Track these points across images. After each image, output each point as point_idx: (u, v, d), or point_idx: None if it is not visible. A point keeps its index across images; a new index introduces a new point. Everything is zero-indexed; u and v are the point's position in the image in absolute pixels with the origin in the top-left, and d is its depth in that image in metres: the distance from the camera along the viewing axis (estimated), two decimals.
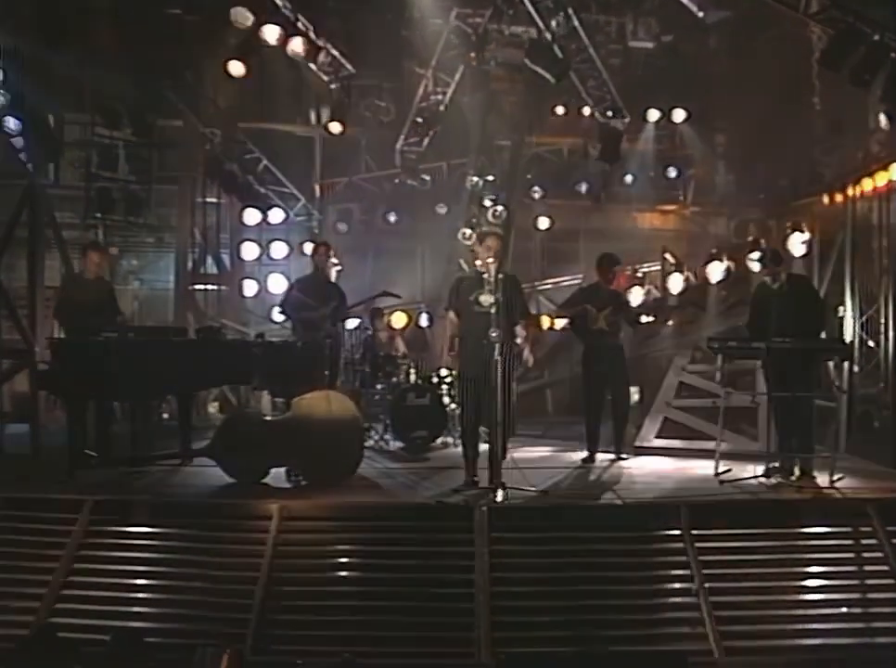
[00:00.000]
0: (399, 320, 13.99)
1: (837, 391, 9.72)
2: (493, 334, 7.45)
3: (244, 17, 10.50)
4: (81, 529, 6.63)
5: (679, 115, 15.46)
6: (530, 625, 6.10)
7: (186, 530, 6.71)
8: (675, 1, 14.17)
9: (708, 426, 10.00)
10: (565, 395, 12.71)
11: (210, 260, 15.07)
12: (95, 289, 9.36)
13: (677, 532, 6.67)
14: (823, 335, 8.88)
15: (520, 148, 15.53)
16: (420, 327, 14.45)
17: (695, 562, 6.42)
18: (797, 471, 8.37)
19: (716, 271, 11.86)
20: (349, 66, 12.66)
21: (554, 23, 12.71)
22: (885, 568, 6.44)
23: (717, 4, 14.17)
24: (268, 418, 8.36)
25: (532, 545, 6.63)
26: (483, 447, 8.06)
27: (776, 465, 8.35)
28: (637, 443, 10.24)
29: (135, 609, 6.23)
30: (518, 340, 8.26)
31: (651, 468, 9.31)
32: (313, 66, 12.42)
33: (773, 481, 8.15)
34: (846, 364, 9.98)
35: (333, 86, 12.81)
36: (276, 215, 14.86)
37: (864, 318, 10.41)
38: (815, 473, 8.29)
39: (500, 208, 14.48)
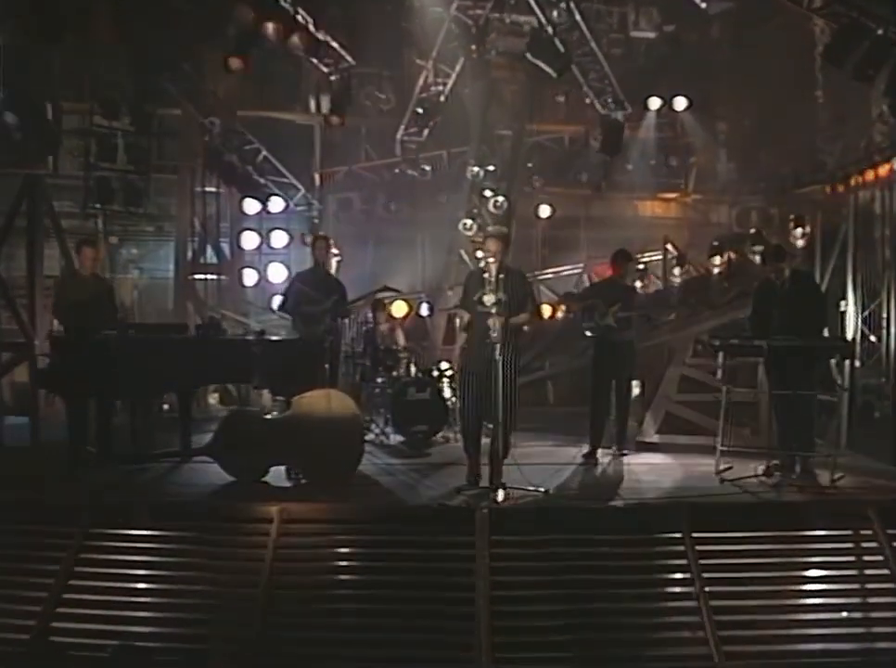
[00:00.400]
0: (399, 309, 13.97)
1: (839, 390, 9.67)
2: (494, 334, 7.44)
3: (245, 13, 10.42)
4: (82, 532, 6.61)
5: (680, 103, 15.41)
6: (530, 630, 6.11)
7: (187, 533, 6.71)
8: None
9: (709, 421, 9.98)
10: (566, 386, 12.68)
11: (209, 249, 15.04)
12: (92, 286, 9.31)
13: (678, 534, 6.65)
14: (826, 333, 8.85)
15: (521, 137, 15.47)
16: (420, 317, 14.45)
17: (695, 566, 6.40)
18: (798, 469, 8.38)
19: (718, 263, 11.79)
20: (349, 58, 12.57)
21: (555, 14, 12.61)
22: (885, 572, 6.42)
23: None
24: (268, 417, 8.32)
25: (533, 548, 6.61)
26: (485, 440, 8.03)
27: (777, 462, 8.34)
28: (638, 438, 10.22)
29: (136, 613, 6.23)
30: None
31: (652, 465, 9.28)
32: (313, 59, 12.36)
33: (774, 479, 8.13)
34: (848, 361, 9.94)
35: (333, 78, 12.73)
36: (276, 204, 14.82)
37: (865, 313, 10.37)
38: (816, 471, 8.29)
39: (500, 198, 14.42)
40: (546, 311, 14.49)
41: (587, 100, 14.43)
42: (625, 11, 15.23)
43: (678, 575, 6.45)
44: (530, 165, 15.87)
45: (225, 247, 15.19)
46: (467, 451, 8.06)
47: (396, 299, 13.80)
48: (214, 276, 15.03)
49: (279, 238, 14.84)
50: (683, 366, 11.12)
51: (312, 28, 11.24)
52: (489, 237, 8.04)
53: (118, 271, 15.21)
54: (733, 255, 12.96)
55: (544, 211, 15.87)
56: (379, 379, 10.95)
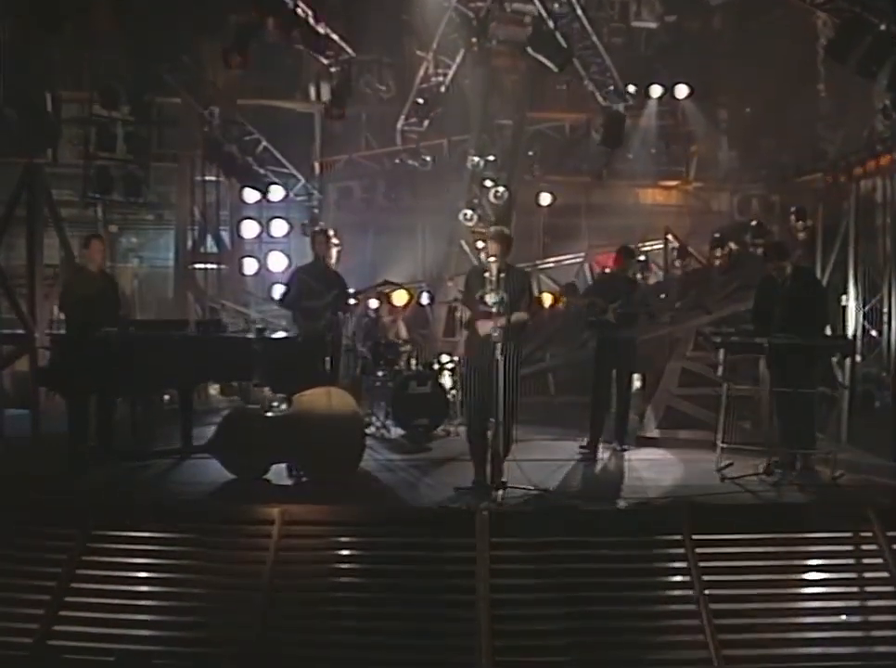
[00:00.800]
0: (400, 298, 13.94)
1: (839, 388, 9.67)
2: (495, 334, 7.44)
3: (244, 8, 10.36)
4: (83, 535, 6.62)
5: (682, 91, 15.35)
6: (530, 634, 6.13)
7: (189, 535, 6.72)
8: None
9: (710, 415, 9.99)
10: (567, 377, 12.69)
11: (209, 238, 15.00)
12: (99, 282, 9.27)
13: (678, 536, 6.66)
14: (828, 330, 8.85)
15: (522, 127, 15.42)
16: (421, 306, 14.43)
17: (695, 568, 6.42)
18: (798, 466, 8.40)
19: (719, 255, 11.77)
20: (349, 50, 12.50)
21: (556, 5, 12.54)
22: (885, 574, 6.44)
23: None
24: (269, 415, 8.32)
25: (533, 550, 6.63)
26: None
27: (777, 459, 8.34)
28: (639, 434, 10.24)
29: (138, 616, 6.25)
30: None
31: (652, 462, 9.30)
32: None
33: (774, 477, 8.14)
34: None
35: (334, 70, 12.66)
36: (276, 193, 14.78)
37: (867, 308, 10.35)
38: (817, 468, 8.31)
39: (501, 189, 14.38)
40: (547, 300, 14.47)
41: (589, 89, 14.37)
42: (627, 1, 15.15)
43: (678, 578, 6.47)
44: (531, 153, 15.81)
45: (225, 236, 15.15)
46: (473, 457, 8.02)
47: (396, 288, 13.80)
48: (214, 266, 15.01)
49: (279, 227, 14.79)
50: (684, 359, 11.13)
51: (312, 21, 11.18)
52: (490, 239, 8.00)
53: (118, 260, 15.18)
54: (734, 246, 12.92)
55: (545, 199, 15.82)
56: (380, 373, 10.95)
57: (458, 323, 8.58)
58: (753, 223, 12.70)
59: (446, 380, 11.06)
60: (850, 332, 10.19)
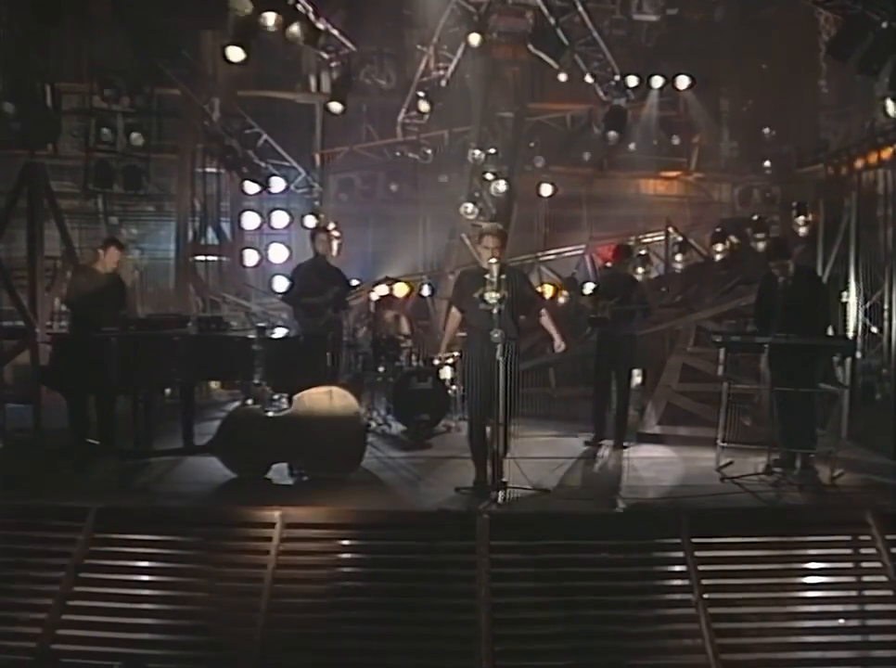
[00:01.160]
0: (401, 289, 13.96)
1: (839, 388, 9.67)
2: (495, 335, 7.41)
3: (244, 4, 10.31)
4: (85, 538, 6.64)
5: (683, 82, 15.29)
6: (530, 638, 6.15)
7: (190, 538, 6.74)
8: None
9: (710, 411, 10.01)
10: (568, 370, 12.70)
11: (210, 230, 15.01)
12: (106, 282, 9.24)
13: (677, 540, 6.67)
14: (829, 330, 8.84)
15: (523, 119, 15.38)
16: (422, 297, 14.45)
17: (694, 573, 6.43)
18: (798, 465, 8.42)
19: (720, 249, 11.76)
20: (349, 44, 12.46)
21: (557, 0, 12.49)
22: (883, 578, 6.44)
23: None
24: (270, 415, 8.33)
25: (533, 553, 6.64)
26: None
27: (777, 458, 8.36)
28: (640, 430, 10.25)
29: (139, 621, 6.27)
30: (557, 341, 8.27)
31: (652, 460, 9.30)
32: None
33: (773, 477, 8.15)
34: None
35: (334, 64, 12.62)
36: (277, 184, 14.79)
37: (867, 304, 10.34)
38: (817, 467, 8.32)
39: (502, 182, 14.35)
40: (549, 291, 14.49)
41: (588, 77, 14.31)
42: None
43: (677, 582, 6.48)
44: (532, 145, 15.76)
45: (226, 227, 15.16)
46: (474, 458, 8.03)
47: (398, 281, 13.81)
48: (215, 258, 15.02)
49: (280, 219, 14.82)
50: (684, 354, 11.15)
51: (312, 16, 11.14)
52: (486, 234, 7.95)
53: None
54: (735, 240, 12.92)
55: (546, 189, 15.80)
56: (381, 369, 10.96)
57: (448, 331, 8.50)
58: (755, 217, 12.69)
59: (446, 372, 11.05)
60: (850, 331, 10.18)
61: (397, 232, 15.18)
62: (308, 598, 6.41)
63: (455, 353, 10.32)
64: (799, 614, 6.34)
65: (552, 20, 12.33)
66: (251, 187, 14.51)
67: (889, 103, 9.73)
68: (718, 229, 12.62)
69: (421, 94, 14.23)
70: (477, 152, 14.62)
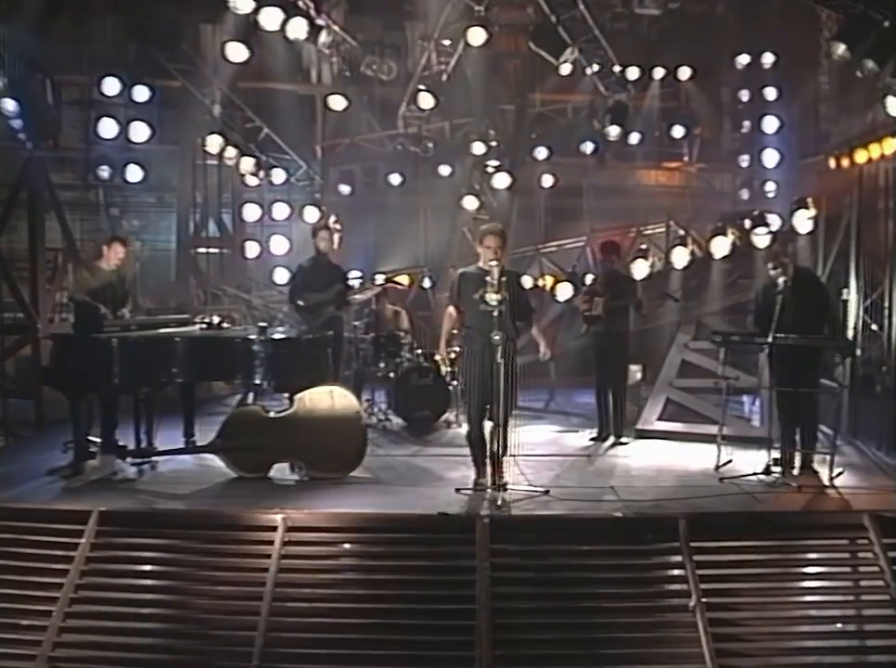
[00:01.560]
0: (402, 280, 13.96)
1: (839, 388, 9.69)
2: (496, 337, 7.42)
3: (244, 2, 10.28)
4: (87, 542, 6.67)
5: (684, 73, 15.26)
6: (530, 642, 6.18)
7: (190, 542, 6.77)
8: None
9: (710, 408, 10.05)
10: (567, 364, 12.71)
11: (211, 222, 15.01)
12: (109, 280, 9.25)
13: (676, 544, 6.70)
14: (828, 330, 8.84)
15: (524, 111, 15.35)
16: (423, 289, 14.47)
17: (692, 577, 6.46)
18: (797, 463, 8.45)
19: (721, 246, 11.72)
20: (350, 40, 12.43)
21: None
22: (880, 583, 6.46)
23: None
24: (271, 415, 8.37)
25: (533, 558, 6.67)
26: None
27: (777, 457, 8.38)
28: (639, 426, 10.29)
29: (141, 625, 6.31)
30: (541, 346, 8.35)
31: (651, 457, 9.35)
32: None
33: (773, 477, 8.18)
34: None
35: (335, 59, 12.59)
36: (278, 176, 14.79)
37: (868, 302, 10.34)
38: (816, 467, 8.35)
39: (504, 175, 14.34)
40: (549, 282, 14.48)
41: (588, 70, 14.26)
42: None
43: (676, 586, 6.51)
44: (534, 136, 15.74)
45: (227, 219, 15.16)
46: (474, 458, 8.05)
47: (399, 272, 13.84)
48: (216, 250, 15.03)
49: (281, 210, 14.81)
50: (684, 350, 11.16)
51: (312, 13, 11.11)
52: (487, 234, 7.96)
53: None
54: (735, 233, 12.86)
55: (547, 180, 15.75)
56: (382, 365, 11.00)
57: (446, 330, 8.50)
58: (755, 212, 12.64)
59: (446, 368, 11.06)
60: (850, 330, 10.18)
61: (398, 224, 15.14)
62: (309, 602, 6.44)
63: (456, 349, 10.35)
64: (796, 619, 6.37)
65: (553, 19, 12.28)
66: (252, 179, 14.54)
67: (890, 101, 9.67)
68: (718, 224, 12.57)
69: (422, 87, 14.17)
70: (478, 145, 14.59)
